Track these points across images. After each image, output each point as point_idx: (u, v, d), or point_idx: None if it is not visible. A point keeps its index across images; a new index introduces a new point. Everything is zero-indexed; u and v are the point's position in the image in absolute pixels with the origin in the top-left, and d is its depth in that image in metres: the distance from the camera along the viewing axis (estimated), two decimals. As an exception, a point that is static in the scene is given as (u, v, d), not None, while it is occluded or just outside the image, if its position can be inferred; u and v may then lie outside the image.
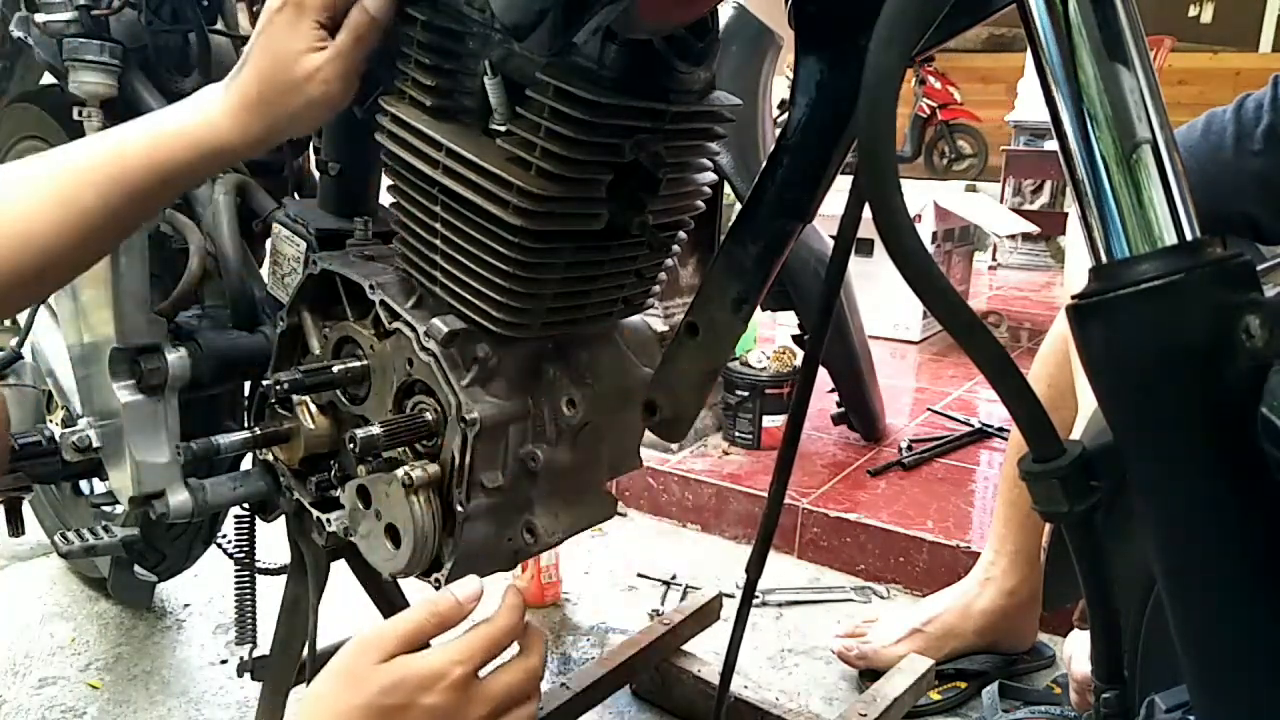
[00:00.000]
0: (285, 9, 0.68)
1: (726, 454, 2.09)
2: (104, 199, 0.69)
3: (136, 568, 1.35)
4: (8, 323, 1.46)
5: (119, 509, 1.34)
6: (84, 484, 1.38)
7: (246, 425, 0.98)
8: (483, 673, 0.63)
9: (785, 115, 0.68)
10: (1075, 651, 1.26)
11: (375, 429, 0.78)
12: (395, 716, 0.59)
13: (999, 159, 4.44)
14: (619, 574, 1.76)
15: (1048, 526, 1.35)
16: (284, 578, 1.07)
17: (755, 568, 0.79)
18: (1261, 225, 1.06)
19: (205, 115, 0.71)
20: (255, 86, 0.70)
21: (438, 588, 0.82)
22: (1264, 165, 1.05)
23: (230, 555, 1.12)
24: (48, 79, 1.27)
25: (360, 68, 0.71)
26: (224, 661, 1.42)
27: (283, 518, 1.01)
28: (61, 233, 0.68)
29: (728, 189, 1.86)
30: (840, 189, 0.63)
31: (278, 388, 0.82)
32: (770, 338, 2.48)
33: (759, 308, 0.77)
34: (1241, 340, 0.43)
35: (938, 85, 5.89)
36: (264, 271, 1.03)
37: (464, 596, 0.64)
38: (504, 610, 0.65)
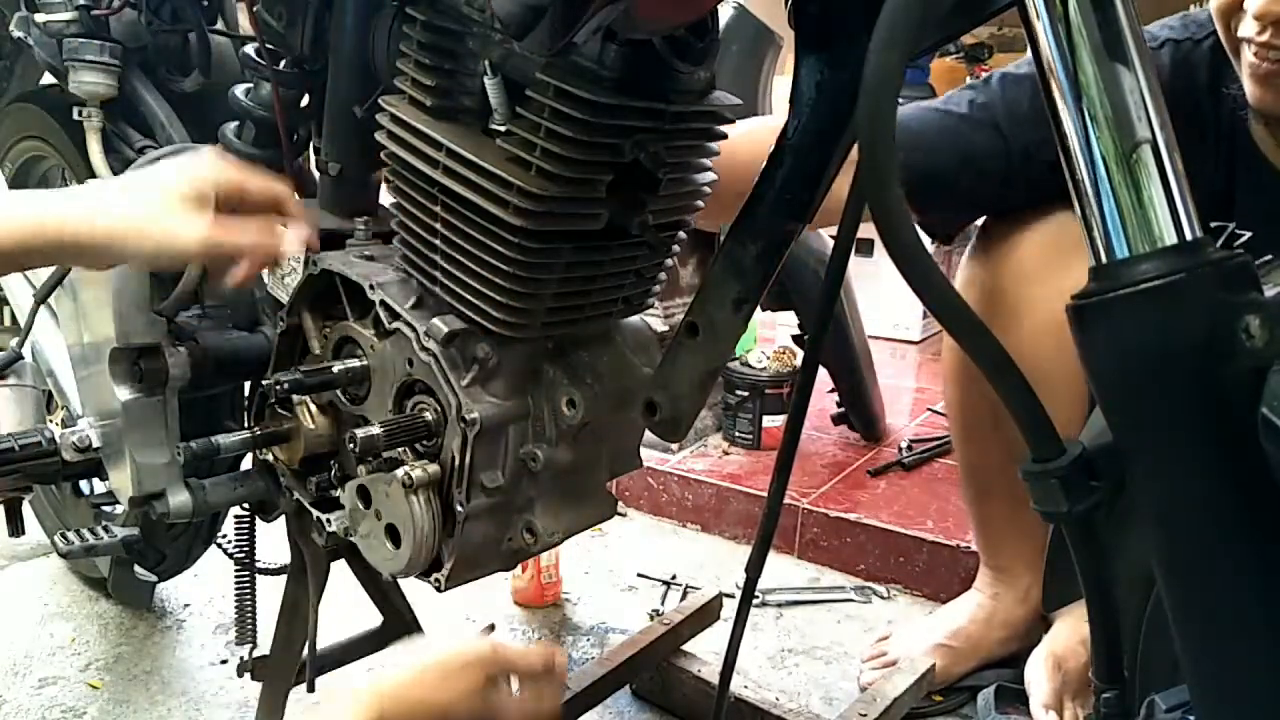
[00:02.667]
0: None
1: (726, 454, 2.09)
2: None
3: (136, 568, 1.35)
4: (8, 322, 1.46)
5: (119, 509, 1.34)
6: (84, 484, 1.38)
7: (246, 425, 0.98)
8: None
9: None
10: (1033, 686, 1.25)
11: (375, 429, 0.78)
12: None
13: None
14: (619, 574, 1.75)
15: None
16: (284, 578, 1.07)
17: (755, 568, 0.79)
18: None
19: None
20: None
21: (438, 588, 0.82)
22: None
23: (230, 555, 1.12)
24: (48, 79, 1.27)
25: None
26: (224, 661, 1.42)
27: (283, 518, 1.01)
28: None
29: (728, 189, 1.86)
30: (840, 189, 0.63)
31: (278, 388, 0.82)
32: (770, 338, 2.48)
33: (759, 308, 0.77)
34: (1241, 340, 0.43)
35: None
36: (263, 271, 1.03)
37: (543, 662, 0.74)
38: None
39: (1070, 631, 1.27)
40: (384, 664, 0.68)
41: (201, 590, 1.60)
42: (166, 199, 0.71)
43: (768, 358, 2.14)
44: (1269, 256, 0.63)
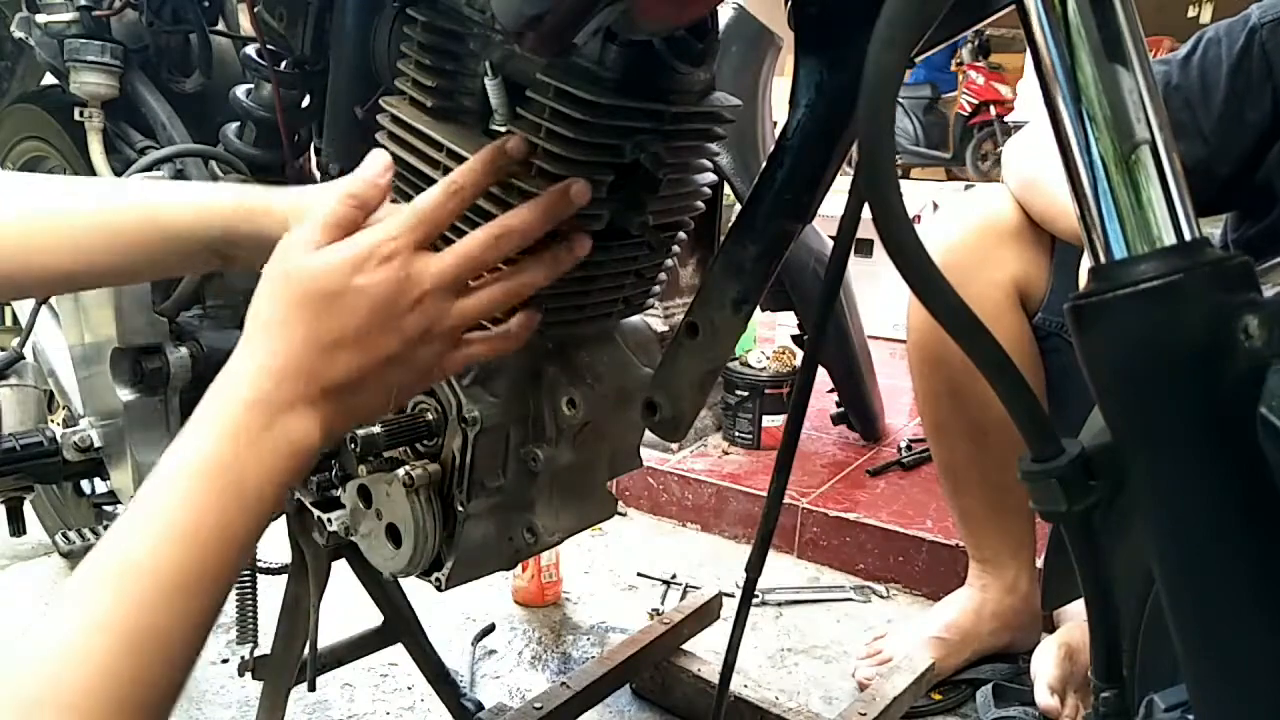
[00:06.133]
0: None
1: (726, 454, 2.09)
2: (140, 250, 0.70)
3: (137, 567, 1.35)
4: (9, 322, 1.46)
5: (120, 508, 1.34)
6: (85, 484, 1.38)
7: (247, 425, 0.98)
8: None
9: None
10: (1040, 670, 1.26)
11: (376, 429, 0.78)
12: (335, 304, 0.55)
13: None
14: (619, 573, 1.76)
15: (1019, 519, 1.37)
16: (285, 577, 1.07)
17: (755, 567, 0.79)
18: None
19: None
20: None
21: (438, 587, 0.82)
22: None
23: (231, 555, 1.12)
24: (49, 80, 1.27)
25: None
26: (225, 661, 1.42)
27: (283, 517, 1.01)
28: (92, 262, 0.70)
29: (728, 189, 1.86)
30: (840, 189, 0.64)
31: (279, 388, 0.82)
32: (770, 338, 2.48)
33: (759, 308, 0.77)
34: (1240, 340, 0.43)
35: (980, 81, 5.61)
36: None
37: (374, 174, 0.60)
38: (435, 189, 0.60)
39: (1084, 627, 1.28)
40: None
41: (202, 590, 1.60)
42: None
43: (768, 358, 2.14)
44: (1274, 260, 0.63)
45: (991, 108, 5.39)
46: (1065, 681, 1.24)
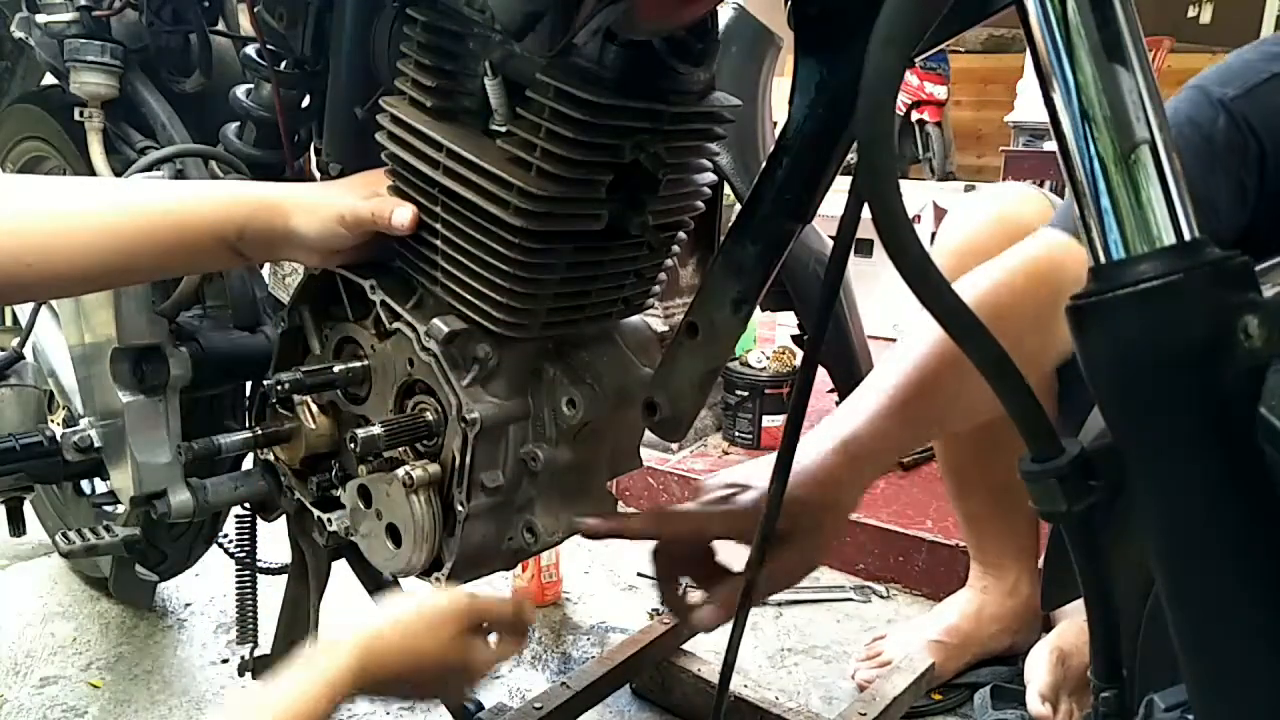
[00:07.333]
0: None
1: (726, 454, 2.09)
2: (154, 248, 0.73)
3: (138, 567, 1.35)
4: (9, 322, 1.46)
5: (120, 509, 1.34)
6: (85, 484, 1.38)
7: (248, 425, 0.98)
8: None
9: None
10: (1032, 676, 1.25)
11: (376, 429, 0.78)
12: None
13: (999, 159, 4.36)
14: (619, 573, 1.76)
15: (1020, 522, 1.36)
16: (285, 577, 1.07)
17: (755, 567, 0.79)
18: None
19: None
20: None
21: (439, 587, 0.82)
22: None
23: (231, 555, 1.12)
24: (49, 80, 1.28)
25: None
26: (225, 661, 1.42)
27: (283, 517, 1.01)
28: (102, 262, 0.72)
29: (728, 189, 1.86)
30: (840, 189, 0.63)
31: (279, 388, 0.82)
32: (770, 338, 2.48)
33: (759, 308, 0.77)
34: (1240, 340, 0.43)
35: (915, 82, 5.51)
36: (265, 271, 1.03)
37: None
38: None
39: (1078, 629, 1.27)
40: (365, 611, 0.68)
41: (203, 589, 1.60)
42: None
43: (768, 358, 2.14)
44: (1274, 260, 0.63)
45: (914, 110, 5.27)
46: (1058, 688, 1.23)
